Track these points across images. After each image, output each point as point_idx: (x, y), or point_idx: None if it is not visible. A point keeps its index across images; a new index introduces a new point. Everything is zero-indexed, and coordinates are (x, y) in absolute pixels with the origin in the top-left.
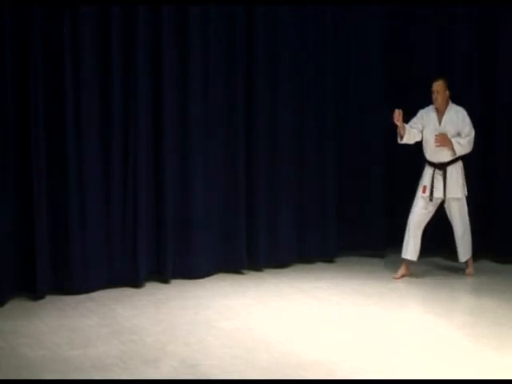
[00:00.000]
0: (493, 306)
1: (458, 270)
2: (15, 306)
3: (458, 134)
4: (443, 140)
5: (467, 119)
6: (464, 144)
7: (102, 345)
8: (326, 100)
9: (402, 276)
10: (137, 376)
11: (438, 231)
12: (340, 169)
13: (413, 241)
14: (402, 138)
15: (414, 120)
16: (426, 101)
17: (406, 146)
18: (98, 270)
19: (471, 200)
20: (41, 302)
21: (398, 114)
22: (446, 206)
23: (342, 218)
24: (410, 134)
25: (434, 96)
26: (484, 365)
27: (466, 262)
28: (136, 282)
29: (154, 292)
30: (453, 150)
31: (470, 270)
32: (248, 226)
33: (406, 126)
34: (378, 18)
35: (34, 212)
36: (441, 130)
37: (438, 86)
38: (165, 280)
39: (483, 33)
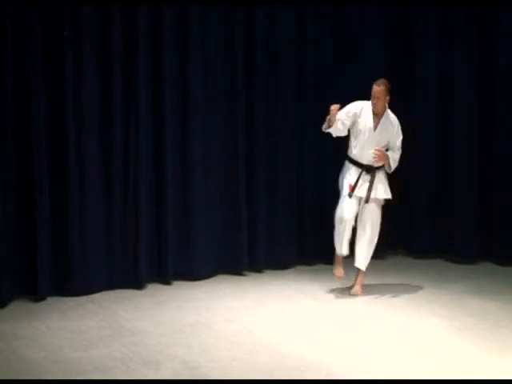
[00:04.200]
0: (495, 309)
1: (460, 271)
2: (16, 307)
3: (387, 145)
4: (381, 156)
5: (400, 133)
6: (396, 160)
7: (103, 347)
8: (327, 100)
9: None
10: (138, 378)
11: (440, 232)
12: (340, 169)
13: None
14: (329, 127)
15: (344, 115)
16: (426, 100)
17: (413, 147)
18: (98, 272)
19: (469, 202)
20: (42, 303)
21: (335, 110)
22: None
23: None
24: (336, 129)
25: (374, 101)
26: (485, 366)
27: (358, 274)
28: (137, 284)
29: (154, 294)
30: (388, 165)
31: (357, 288)
32: (249, 227)
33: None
34: (378, 17)
35: (35, 213)
36: (374, 136)
37: (380, 93)
38: (166, 282)
39: (483, 32)
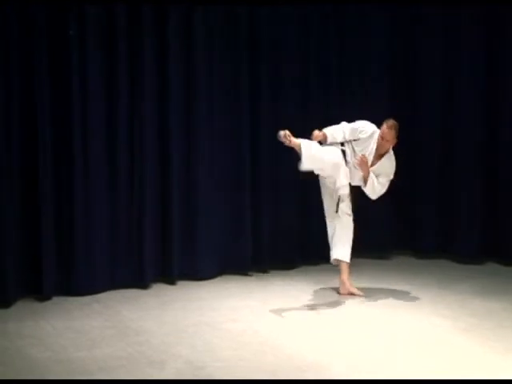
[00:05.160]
0: (498, 309)
1: (463, 271)
2: (21, 307)
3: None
4: (363, 164)
5: (392, 174)
6: (376, 188)
7: (108, 346)
8: (331, 100)
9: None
10: (142, 377)
11: (443, 232)
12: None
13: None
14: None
15: (348, 131)
16: (430, 100)
17: (416, 147)
18: (103, 272)
19: (473, 202)
20: (47, 303)
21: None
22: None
23: None
24: (333, 140)
25: (382, 142)
26: (489, 367)
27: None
28: (142, 284)
29: (159, 293)
30: (365, 180)
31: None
32: (253, 227)
33: (333, 131)
34: (381, 17)
35: (40, 213)
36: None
37: (390, 136)
38: (171, 281)
39: (489, 33)
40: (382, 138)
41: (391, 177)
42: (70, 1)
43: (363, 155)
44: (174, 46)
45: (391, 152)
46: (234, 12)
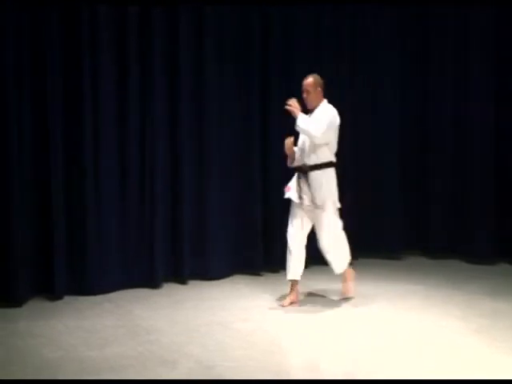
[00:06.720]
0: (508, 309)
1: (475, 272)
2: (33, 306)
3: None
4: (293, 106)
5: (325, 118)
6: (307, 124)
7: (119, 346)
8: (342, 100)
9: (291, 303)
10: (153, 377)
11: (455, 233)
12: (354, 169)
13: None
14: (292, 161)
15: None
16: (443, 100)
17: (429, 148)
18: (115, 271)
19: (485, 202)
20: (58, 302)
21: (290, 143)
22: (312, 216)
23: (358, 219)
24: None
25: (304, 95)
26: (496, 368)
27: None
28: (153, 283)
29: (170, 293)
30: (296, 115)
31: (346, 286)
32: (264, 227)
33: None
34: (392, 17)
35: (51, 213)
36: None
37: (308, 86)
38: (182, 281)
39: (498, 31)
40: (302, 91)
41: (325, 118)
42: (82, 1)
43: (291, 100)
44: (184, 47)
45: (324, 104)
46: (245, 12)
